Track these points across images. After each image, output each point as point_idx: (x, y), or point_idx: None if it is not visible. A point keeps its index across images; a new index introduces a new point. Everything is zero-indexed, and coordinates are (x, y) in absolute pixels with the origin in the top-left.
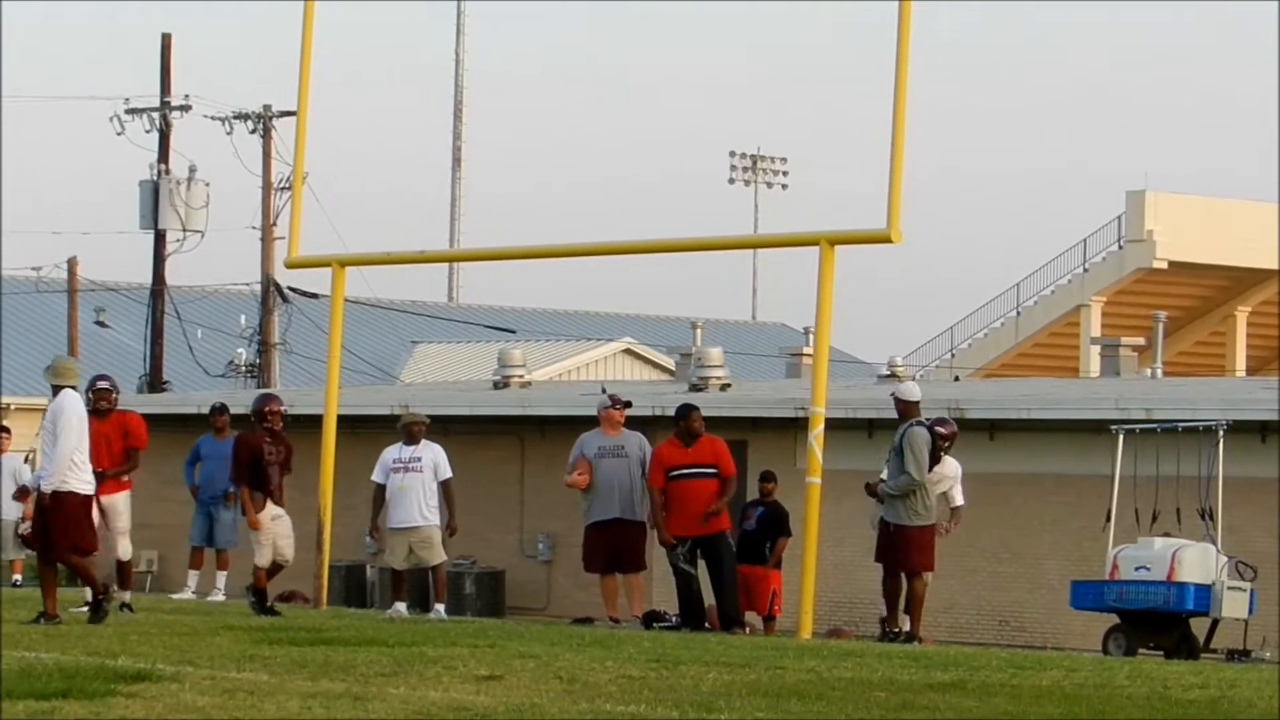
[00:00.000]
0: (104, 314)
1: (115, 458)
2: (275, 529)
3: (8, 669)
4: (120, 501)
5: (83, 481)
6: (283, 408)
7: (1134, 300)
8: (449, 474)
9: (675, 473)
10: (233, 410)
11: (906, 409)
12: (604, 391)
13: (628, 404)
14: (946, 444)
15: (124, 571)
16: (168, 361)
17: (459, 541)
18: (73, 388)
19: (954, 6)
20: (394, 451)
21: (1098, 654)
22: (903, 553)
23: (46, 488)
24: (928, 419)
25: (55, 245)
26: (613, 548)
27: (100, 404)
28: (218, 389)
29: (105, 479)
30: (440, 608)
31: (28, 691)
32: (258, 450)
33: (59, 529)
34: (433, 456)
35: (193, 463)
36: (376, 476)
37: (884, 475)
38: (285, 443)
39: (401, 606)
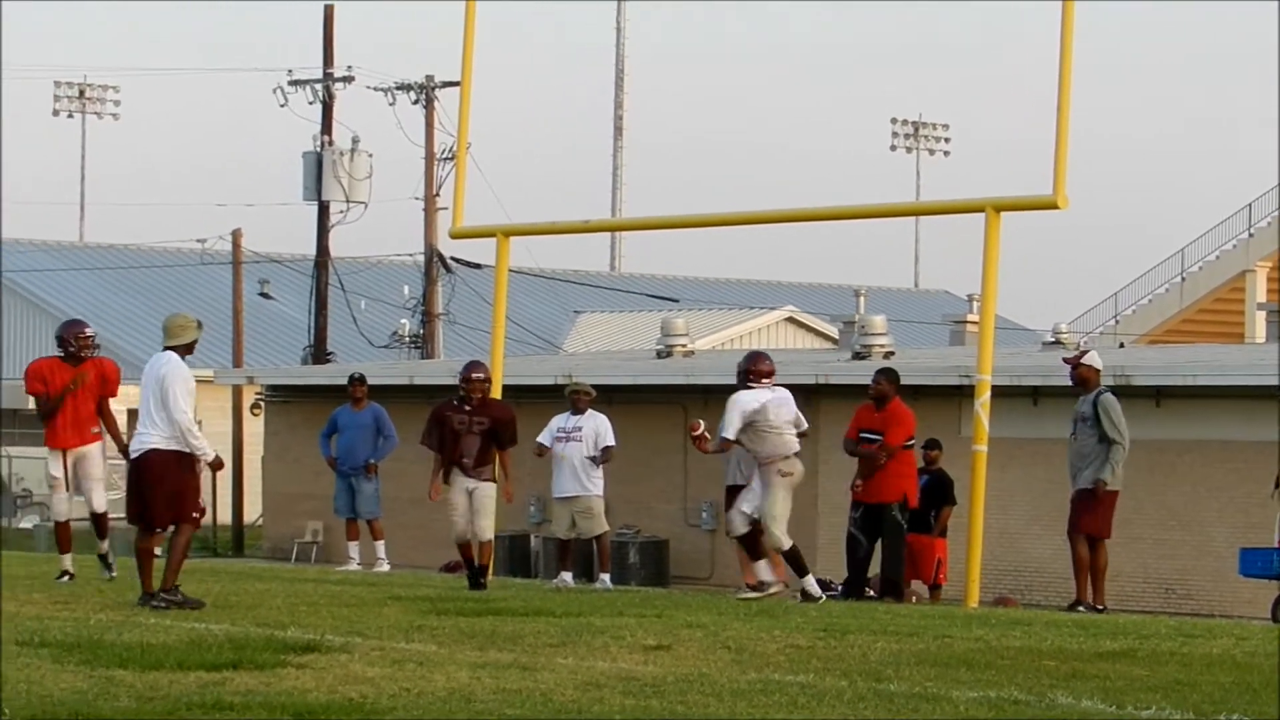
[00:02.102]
0: (268, 285)
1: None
2: (461, 502)
3: (177, 641)
4: (95, 450)
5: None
6: (482, 375)
7: None
8: (610, 442)
9: (862, 434)
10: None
11: (1093, 376)
12: None
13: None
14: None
15: (100, 522)
16: (332, 332)
17: (623, 511)
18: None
19: None
20: (560, 420)
21: (1266, 622)
22: (1087, 516)
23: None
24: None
25: (220, 217)
26: None
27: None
28: (382, 360)
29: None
30: (605, 577)
31: (199, 663)
32: (442, 419)
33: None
34: (594, 426)
35: (329, 434)
36: (541, 438)
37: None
38: (491, 411)
39: (567, 576)
